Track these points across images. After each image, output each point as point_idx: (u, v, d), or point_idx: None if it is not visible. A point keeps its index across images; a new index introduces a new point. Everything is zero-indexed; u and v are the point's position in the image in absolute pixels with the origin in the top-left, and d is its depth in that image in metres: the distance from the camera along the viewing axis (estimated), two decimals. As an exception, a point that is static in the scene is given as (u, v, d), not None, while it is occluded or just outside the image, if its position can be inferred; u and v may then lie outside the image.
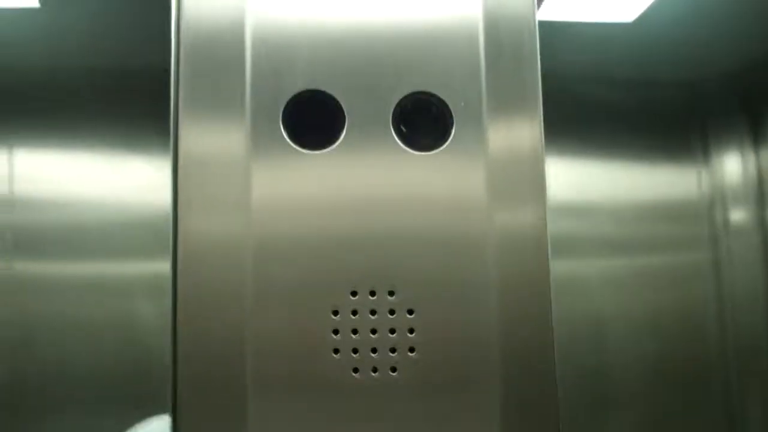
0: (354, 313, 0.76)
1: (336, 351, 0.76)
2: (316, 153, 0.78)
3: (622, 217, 2.99)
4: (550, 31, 2.52)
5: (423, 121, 0.80)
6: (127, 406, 2.39)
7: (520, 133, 0.81)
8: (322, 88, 0.79)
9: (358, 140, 0.78)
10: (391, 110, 0.79)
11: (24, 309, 2.63)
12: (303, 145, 0.78)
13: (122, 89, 2.67)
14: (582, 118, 2.94)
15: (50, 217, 2.66)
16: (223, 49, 0.78)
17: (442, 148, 0.80)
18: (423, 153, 0.79)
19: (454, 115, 0.80)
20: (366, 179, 0.78)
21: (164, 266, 0.73)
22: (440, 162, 0.79)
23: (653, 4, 2.25)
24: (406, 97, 0.80)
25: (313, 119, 0.79)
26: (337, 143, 0.78)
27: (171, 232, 0.76)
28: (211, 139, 0.77)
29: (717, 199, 3.08)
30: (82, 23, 2.31)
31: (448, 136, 0.80)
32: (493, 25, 0.82)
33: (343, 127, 0.78)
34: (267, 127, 0.77)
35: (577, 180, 2.96)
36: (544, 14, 2.37)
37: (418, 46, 0.81)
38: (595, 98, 2.93)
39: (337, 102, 0.79)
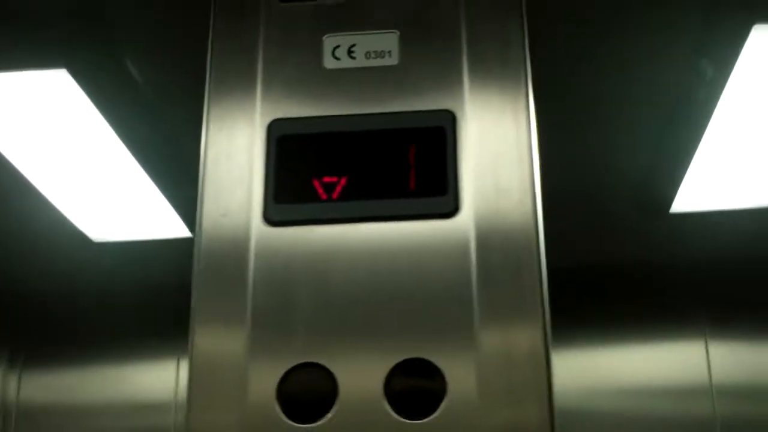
0: None
1: None
2: (308, 427, 0.79)
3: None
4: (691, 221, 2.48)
5: (416, 387, 0.80)
6: None
7: (517, 346, 0.80)
8: (317, 359, 0.81)
9: (351, 412, 0.79)
10: (384, 378, 0.80)
11: None
12: (296, 418, 0.80)
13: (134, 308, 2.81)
14: (750, 302, 2.81)
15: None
16: (229, 275, 0.85)
17: (436, 414, 0.79)
18: (417, 421, 0.79)
19: (446, 377, 0.80)
20: (358, 452, 0.78)
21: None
22: (435, 430, 0.78)
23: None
24: (399, 365, 0.80)
25: (306, 389, 0.81)
26: (329, 415, 0.79)
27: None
28: (218, 351, 0.84)
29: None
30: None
31: (442, 399, 0.79)
32: (484, 246, 0.83)
33: (335, 398, 0.80)
34: (262, 396, 0.80)
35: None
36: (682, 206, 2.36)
37: (410, 310, 0.82)
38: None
39: (331, 372, 0.81)
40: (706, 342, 2.84)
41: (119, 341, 2.86)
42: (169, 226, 2.33)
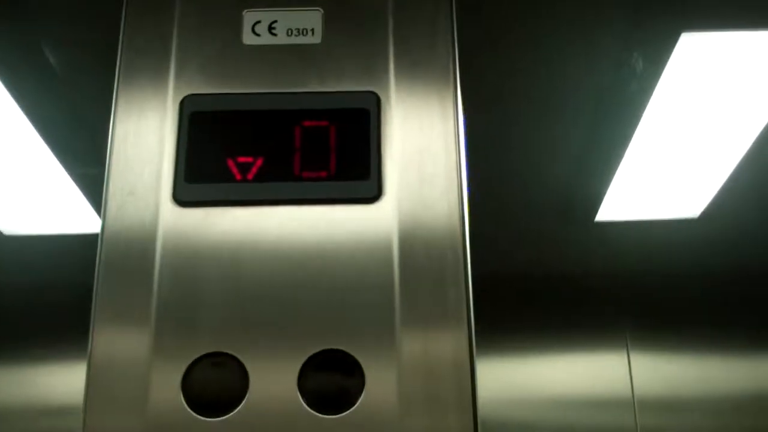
0: None
1: None
2: (215, 420, 0.74)
3: (718, 411, 2.78)
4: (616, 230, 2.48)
5: (332, 379, 0.76)
6: None
7: (440, 350, 0.76)
8: (226, 350, 0.76)
9: (261, 405, 0.74)
10: (298, 370, 0.75)
11: None
12: (203, 411, 0.74)
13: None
14: (673, 314, 2.83)
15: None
16: (134, 260, 0.79)
17: (352, 409, 0.74)
18: (332, 416, 0.74)
19: (365, 369, 0.75)
20: (266, 448, 0.73)
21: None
22: (350, 426, 0.74)
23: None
24: (314, 356, 0.76)
25: (214, 380, 0.76)
26: (239, 408, 0.74)
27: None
28: (119, 347, 0.77)
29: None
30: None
31: (359, 393, 0.75)
32: (407, 234, 0.80)
33: (246, 390, 0.75)
34: (166, 391, 0.75)
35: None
36: (607, 215, 2.35)
37: (328, 299, 0.78)
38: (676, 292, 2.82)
39: (241, 363, 0.76)
40: (628, 353, 2.85)
41: (32, 340, 2.74)
42: (85, 220, 2.24)
